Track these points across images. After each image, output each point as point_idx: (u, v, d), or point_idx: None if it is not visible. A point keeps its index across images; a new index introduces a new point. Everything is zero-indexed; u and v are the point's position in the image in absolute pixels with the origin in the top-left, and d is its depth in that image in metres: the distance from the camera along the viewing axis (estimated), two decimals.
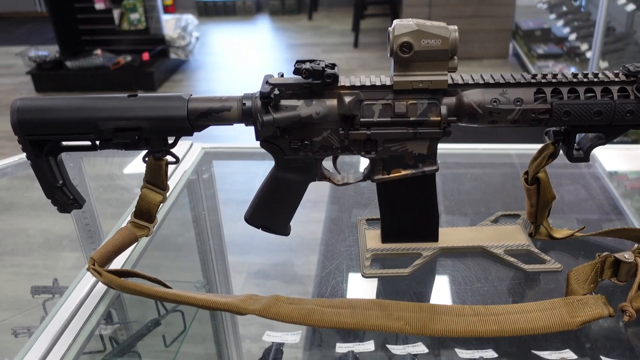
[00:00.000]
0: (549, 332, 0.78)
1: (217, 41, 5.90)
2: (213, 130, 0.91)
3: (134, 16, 4.64)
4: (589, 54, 3.42)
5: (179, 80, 4.77)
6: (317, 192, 0.99)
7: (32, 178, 0.92)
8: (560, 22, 4.33)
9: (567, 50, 4.26)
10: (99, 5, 4.58)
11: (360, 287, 0.97)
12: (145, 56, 4.60)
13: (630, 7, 3.26)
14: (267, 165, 0.98)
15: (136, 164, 1.54)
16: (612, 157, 1.35)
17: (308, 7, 6.42)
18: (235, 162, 1.53)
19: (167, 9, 5.53)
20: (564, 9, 4.42)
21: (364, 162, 0.96)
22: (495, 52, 4.77)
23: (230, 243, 1.37)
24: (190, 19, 4.93)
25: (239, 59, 5.22)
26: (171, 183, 1.26)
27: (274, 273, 1.25)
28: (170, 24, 4.77)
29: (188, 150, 1.39)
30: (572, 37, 4.07)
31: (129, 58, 4.56)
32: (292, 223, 1.00)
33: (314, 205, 1.26)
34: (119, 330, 1.29)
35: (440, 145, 0.91)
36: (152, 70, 4.50)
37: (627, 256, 0.85)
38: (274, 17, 6.55)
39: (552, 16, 4.46)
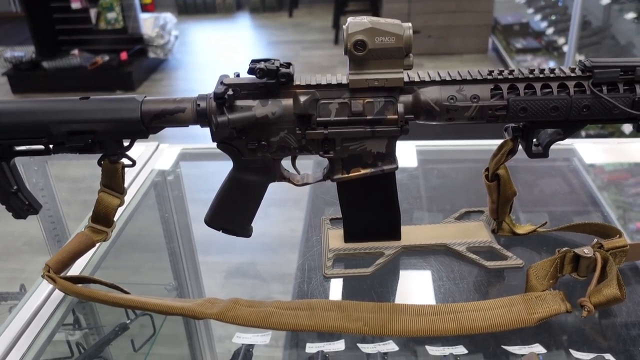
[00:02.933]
0: (507, 329, 0.78)
1: (197, 39, 5.85)
2: (179, 130, 0.90)
3: (111, 15, 4.60)
4: (566, 48, 3.43)
5: (159, 80, 4.73)
6: (297, 191, 0.98)
7: None
8: (538, 16, 4.35)
9: (545, 45, 4.28)
10: (75, 5, 4.53)
11: (326, 288, 0.96)
12: (124, 56, 4.55)
13: (606, 0, 3.28)
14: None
15: None
16: (591, 151, 1.35)
17: (288, 4, 6.39)
18: (204, 163, 1.51)
19: (146, 8, 5.47)
20: (542, 3, 4.44)
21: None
22: (475, 47, 4.79)
23: (208, 243, 1.36)
24: (169, 17, 4.89)
25: (219, 57, 5.19)
26: (136, 184, 1.25)
27: (253, 272, 1.24)
28: (148, 23, 4.73)
29: (154, 152, 1.37)
30: (550, 31, 4.09)
31: (106, 58, 4.51)
32: (271, 223, 0.99)
33: (295, 203, 1.25)
34: (91, 335, 1.27)
35: (405, 143, 0.90)
36: (130, 70, 4.46)
37: (586, 251, 0.85)
38: (254, 14, 6.51)
39: (530, 10, 4.49)
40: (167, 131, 0.91)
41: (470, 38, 4.75)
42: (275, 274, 1.23)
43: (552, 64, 4.00)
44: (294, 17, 6.31)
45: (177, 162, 1.38)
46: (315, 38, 5.53)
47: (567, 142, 1.27)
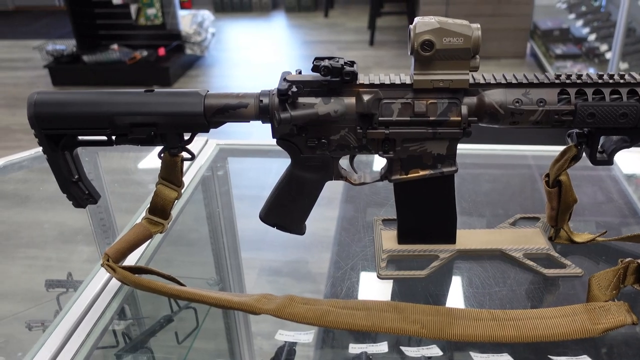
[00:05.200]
0: (570, 339, 0.76)
1: (233, 37, 5.90)
2: (227, 126, 0.90)
3: (151, 11, 4.66)
4: (608, 55, 3.37)
5: (195, 76, 4.78)
6: (330, 190, 0.98)
7: (48, 171, 0.92)
8: (580, 22, 4.27)
9: (585, 51, 4.20)
10: (117, 0, 4.60)
11: (375, 289, 0.95)
12: (161, 51, 4.61)
13: None
14: (282, 163, 0.97)
15: (151, 159, 1.54)
16: (630, 160, 1.32)
17: (324, 4, 6.39)
18: (250, 159, 1.52)
19: (184, 5, 5.54)
20: (584, 8, 4.36)
21: (378, 161, 0.94)
22: (512, 52, 4.72)
23: (242, 239, 1.37)
24: (206, 14, 4.93)
25: (254, 55, 5.22)
26: (186, 179, 1.26)
27: (286, 270, 1.24)
28: (186, 20, 4.78)
29: (203, 147, 1.38)
30: (592, 37, 4.02)
31: (145, 53, 4.57)
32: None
33: (328, 202, 1.25)
34: (132, 325, 1.29)
35: (458, 145, 0.89)
36: (167, 66, 4.51)
37: None
38: (289, 14, 6.54)
39: (572, 16, 4.41)
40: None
41: (508, 42, 4.68)
42: (308, 272, 1.23)
43: (592, 71, 3.92)
44: (329, 17, 6.32)
45: (224, 157, 1.39)
46: (351, 39, 5.53)
47: None
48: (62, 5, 5.89)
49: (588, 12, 4.30)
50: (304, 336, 0.88)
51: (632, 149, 0.87)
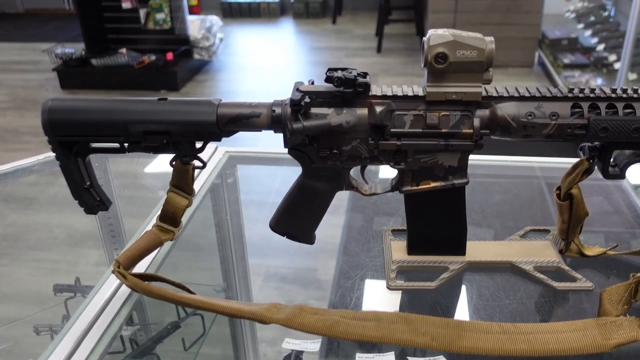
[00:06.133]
0: (581, 353, 0.76)
1: (241, 42, 5.92)
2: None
3: (160, 16, 4.68)
4: (617, 65, 3.36)
5: (202, 81, 4.80)
6: (336, 197, 0.98)
7: (58, 175, 0.93)
8: (588, 32, 4.26)
9: (594, 61, 4.19)
10: (126, 4, 4.63)
11: (384, 299, 0.95)
12: (170, 56, 4.63)
13: None
14: (291, 171, 0.97)
15: (158, 164, 1.55)
16: (637, 170, 1.31)
17: (332, 11, 6.41)
18: (260, 167, 1.53)
19: (192, 10, 5.57)
20: (592, 18, 4.35)
21: (384, 171, 0.94)
22: (520, 61, 4.72)
23: (249, 245, 1.37)
24: (214, 20, 4.95)
25: (261, 60, 5.23)
26: (195, 186, 1.26)
27: (292, 277, 1.24)
28: (195, 25, 4.80)
29: (213, 154, 1.38)
30: (600, 47, 4.01)
31: (153, 57, 4.59)
32: None
33: (334, 210, 1.25)
34: (138, 331, 1.29)
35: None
36: (175, 70, 4.53)
37: None
38: (297, 20, 6.55)
39: (580, 26, 4.40)
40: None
41: (516, 51, 4.68)
42: (314, 279, 1.23)
43: (600, 81, 3.92)
44: (337, 23, 6.33)
45: (233, 165, 1.40)
46: (358, 45, 5.53)
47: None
48: (72, 8, 5.93)
49: (597, 22, 4.29)
50: (311, 345, 0.87)
51: None
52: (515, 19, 4.58)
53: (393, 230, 1.07)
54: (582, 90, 0.84)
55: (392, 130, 0.86)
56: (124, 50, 4.70)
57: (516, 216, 1.18)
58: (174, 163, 0.92)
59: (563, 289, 0.92)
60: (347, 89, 0.84)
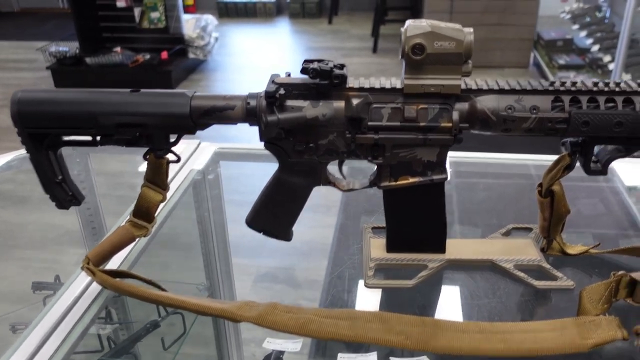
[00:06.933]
0: (558, 353, 0.74)
1: (237, 42, 5.90)
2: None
3: (155, 15, 4.66)
4: (611, 66, 3.35)
5: (197, 80, 4.78)
6: (329, 197, 0.96)
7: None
8: (584, 33, 4.26)
9: (589, 62, 4.18)
10: (120, 3, 4.60)
11: (363, 298, 0.93)
12: (164, 55, 4.61)
13: None
14: (275, 167, 0.95)
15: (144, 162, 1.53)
16: (631, 172, 1.29)
17: (328, 11, 6.40)
18: (244, 164, 1.50)
19: (188, 9, 5.54)
20: (588, 19, 4.34)
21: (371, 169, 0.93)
22: (516, 61, 4.70)
23: (238, 245, 1.35)
24: (210, 19, 4.93)
25: (257, 60, 5.21)
26: (176, 182, 1.24)
27: (282, 277, 1.23)
28: (190, 24, 4.78)
29: (195, 150, 1.36)
30: (595, 48, 4.00)
31: (147, 56, 4.57)
32: (303, 228, 0.97)
33: (327, 210, 1.23)
34: (120, 330, 1.27)
35: (452, 153, 0.87)
36: (170, 69, 4.51)
37: None
38: (294, 20, 6.54)
39: (575, 27, 4.39)
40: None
41: (512, 52, 4.67)
42: (304, 279, 1.22)
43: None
44: (333, 24, 6.31)
45: (216, 161, 1.38)
46: (354, 45, 5.52)
47: None
48: (66, 7, 5.91)
49: (592, 23, 4.28)
50: (292, 345, 0.86)
51: (635, 160, 0.85)
52: (510, 19, 4.57)
53: (373, 228, 1.04)
54: (563, 84, 0.82)
55: (369, 123, 0.84)
56: (118, 49, 4.68)
57: (501, 214, 1.16)
58: (147, 157, 0.90)
59: (543, 288, 0.90)
60: (323, 80, 0.82)
